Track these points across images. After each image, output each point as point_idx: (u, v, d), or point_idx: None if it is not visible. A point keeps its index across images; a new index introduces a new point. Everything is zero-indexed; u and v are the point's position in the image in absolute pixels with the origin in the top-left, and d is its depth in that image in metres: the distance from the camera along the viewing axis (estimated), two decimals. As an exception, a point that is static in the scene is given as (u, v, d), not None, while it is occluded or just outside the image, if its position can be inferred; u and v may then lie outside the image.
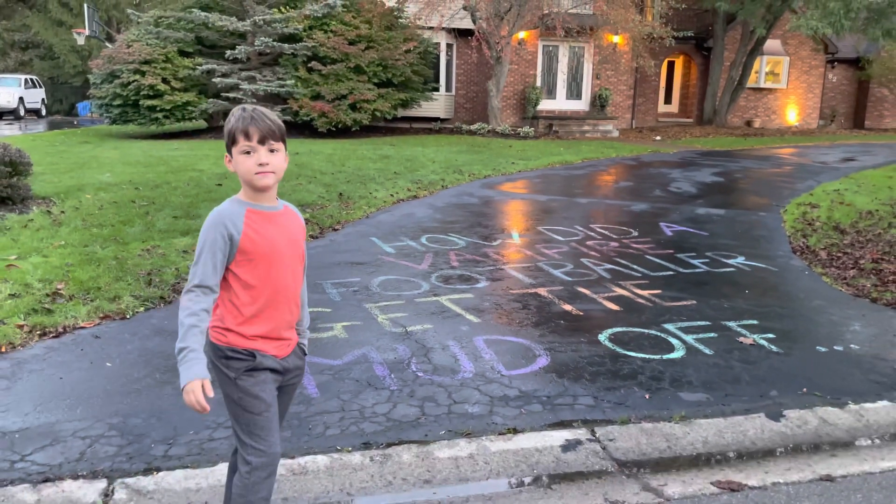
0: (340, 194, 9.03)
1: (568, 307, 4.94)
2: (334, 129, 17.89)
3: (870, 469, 3.04)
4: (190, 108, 17.84)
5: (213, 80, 17.66)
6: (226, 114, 20.18)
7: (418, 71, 19.85)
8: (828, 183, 11.90)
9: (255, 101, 17.70)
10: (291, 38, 18.27)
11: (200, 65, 17.79)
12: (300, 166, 11.45)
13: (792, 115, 27.67)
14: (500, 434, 3.10)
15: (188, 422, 3.09)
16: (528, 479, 2.86)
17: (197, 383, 1.92)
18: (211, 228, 2.02)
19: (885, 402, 3.64)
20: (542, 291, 5.31)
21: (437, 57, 22.13)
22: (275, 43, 17.63)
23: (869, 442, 3.31)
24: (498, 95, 20.39)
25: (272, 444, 2.11)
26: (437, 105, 22.58)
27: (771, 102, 27.53)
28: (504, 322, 4.58)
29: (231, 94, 17.56)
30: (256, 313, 2.07)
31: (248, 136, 2.01)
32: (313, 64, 17.88)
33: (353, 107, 17.96)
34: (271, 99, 18.09)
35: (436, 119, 22.74)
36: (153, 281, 4.95)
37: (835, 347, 4.34)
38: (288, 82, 17.63)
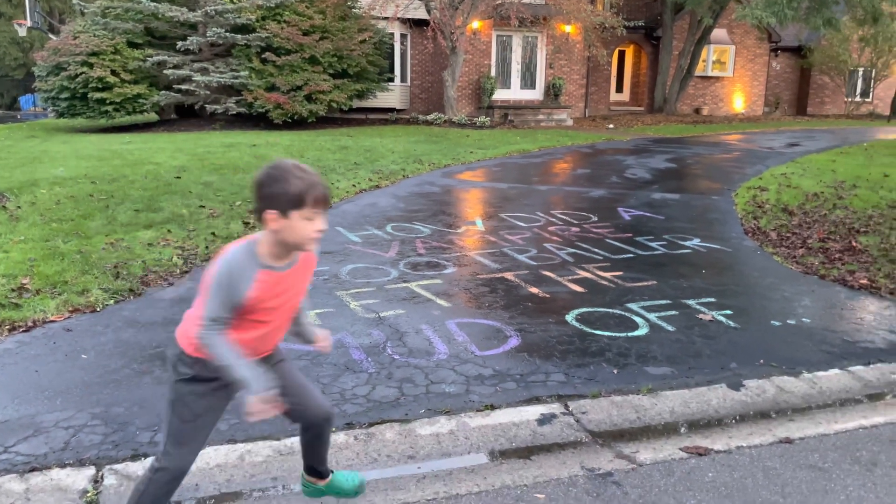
0: (302, 185, 9.02)
1: (535, 290, 5.08)
2: (290, 120, 17.73)
3: (825, 431, 3.25)
4: (141, 100, 17.43)
5: (165, 71, 17.29)
6: (178, 106, 19.89)
7: (374, 61, 19.78)
8: (775, 167, 12.34)
9: (208, 92, 17.42)
10: (244, 29, 18.01)
11: (151, 56, 17.39)
12: (259, 158, 11.37)
13: (738, 103, 28.49)
14: (477, 411, 3.22)
15: (171, 409, 3.12)
16: (508, 452, 2.98)
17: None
18: (223, 279, 2.00)
19: (835, 370, 3.87)
20: (509, 276, 5.44)
21: (392, 47, 22.09)
22: (227, 34, 17.36)
23: (823, 407, 3.53)
24: (454, 85, 20.49)
25: (185, 455, 2.19)
26: (392, 96, 22.55)
27: (718, 90, 28.28)
28: (474, 305, 4.70)
29: (183, 86, 17.26)
30: (245, 343, 2.09)
31: (317, 204, 1.97)
32: (267, 55, 17.66)
33: (308, 98, 17.82)
34: (225, 91, 17.82)
35: (392, 110, 22.70)
36: (121, 274, 4.90)
37: (788, 321, 4.58)
38: (242, 73, 17.38)
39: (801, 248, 6.61)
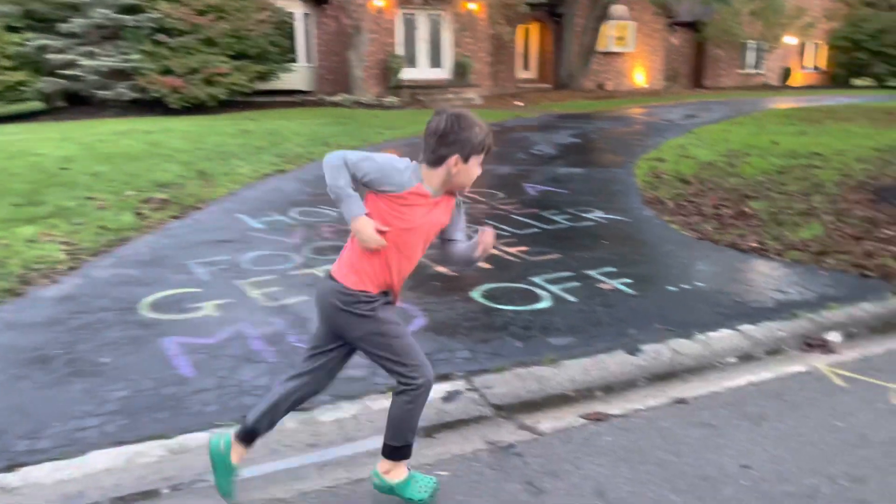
0: (201, 172, 8.66)
1: (442, 269, 5.07)
2: (189, 105, 16.99)
3: (716, 389, 3.40)
4: (22, 88, 16.26)
5: (47, 56, 16.18)
6: (66, 93, 18.65)
7: (275, 42, 19.15)
8: (673, 139, 12.81)
9: (97, 78, 16.46)
10: (133, 10, 17.05)
11: (31, 40, 16.22)
12: (154, 145, 10.84)
13: (640, 78, 29.43)
14: (381, 393, 3.18)
15: (53, 415, 2.93)
16: (412, 432, 2.96)
17: (364, 220, 2.21)
18: (387, 160, 2.23)
19: (727, 331, 4.05)
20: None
21: (293, 27, 21.50)
22: (114, 14, 16.39)
23: (715, 366, 3.68)
24: (360, 66, 20.17)
25: (426, 362, 2.38)
26: (298, 77, 21.98)
27: (621, 66, 29.11)
28: (380, 287, 4.64)
29: (68, 72, 16.21)
30: (393, 273, 2.31)
31: (489, 152, 2.28)
32: (160, 37, 16.79)
33: (207, 81, 17.10)
34: (114, 76, 16.86)
35: (298, 92, 22.14)
36: (-3, 273, 4.57)
37: (683, 286, 4.76)
38: (133, 57, 16.48)
39: (697, 215, 6.88)
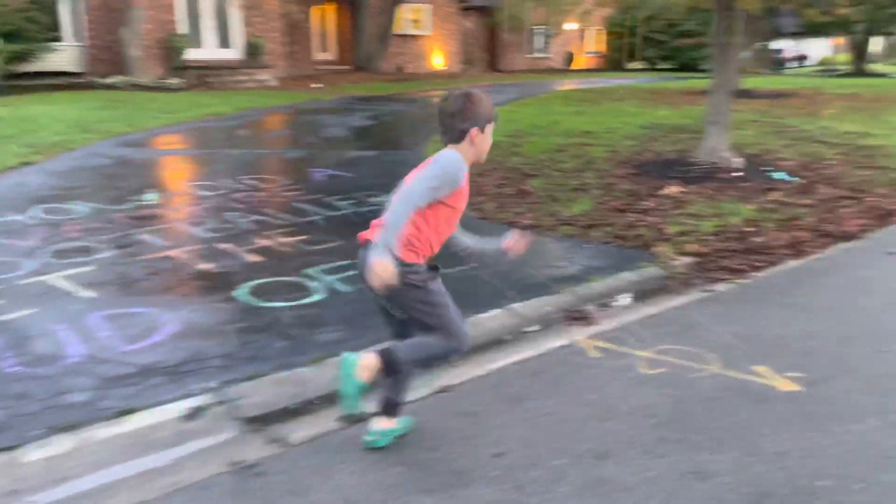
0: (-79, 167, 7.35)
1: (205, 266, 4.62)
2: (-76, 89, 14.55)
3: (480, 373, 3.35)
4: None
5: None
6: None
7: (33, 18, 16.97)
8: (464, 121, 13.06)
9: None
10: None
11: None
12: None
13: (438, 61, 30.10)
14: (108, 420, 2.74)
15: None
16: (142, 462, 2.57)
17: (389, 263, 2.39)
18: (447, 173, 2.55)
19: (496, 310, 4.03)
20: (178, 253, 4.90)
21: (55, 1, 19.16)
22: None
23: (483, 347, 3.64)
24: (136, 44, 18.43)
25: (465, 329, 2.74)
26: (65, 57, 19.66)
27: (419, 48, 29.51)
28: (128, 293, 4.11)
29: None
30: (438, 241, 2.69)
31: (496, 119, 2.67)
32: None
33: (-53, 61, 14.75)
34: None
35: (66, 74, 19.81)
36: None
37: (460, 267, 4.70)
38: None
39: (480, 195, 6.97)
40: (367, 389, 2.54)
